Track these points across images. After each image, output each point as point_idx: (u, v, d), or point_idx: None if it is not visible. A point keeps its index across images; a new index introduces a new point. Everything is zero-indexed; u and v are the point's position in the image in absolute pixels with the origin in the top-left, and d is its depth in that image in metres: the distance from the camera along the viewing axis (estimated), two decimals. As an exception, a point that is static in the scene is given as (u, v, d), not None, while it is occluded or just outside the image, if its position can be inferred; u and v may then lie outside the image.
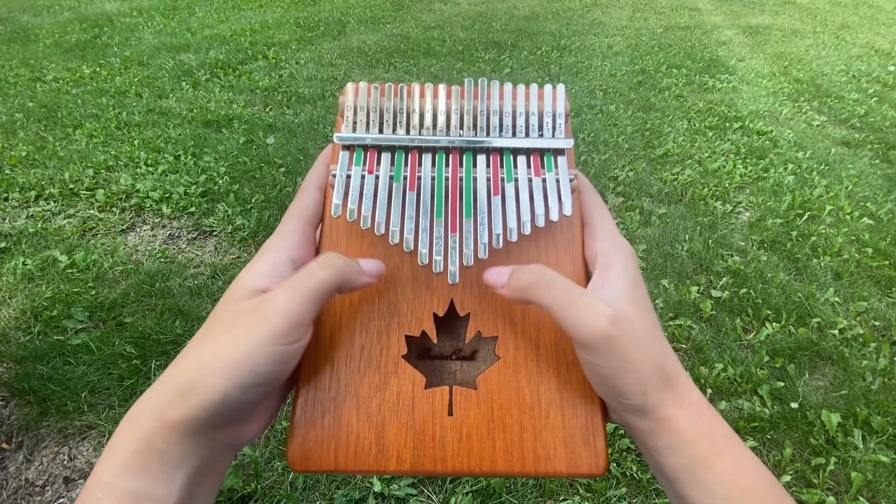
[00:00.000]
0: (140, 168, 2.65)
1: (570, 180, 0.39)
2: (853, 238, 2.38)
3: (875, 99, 3.96)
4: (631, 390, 0.31)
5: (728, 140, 3.24)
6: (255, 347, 0.29)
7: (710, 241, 2.32)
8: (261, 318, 0.30)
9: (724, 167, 2.92)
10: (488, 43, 4.97)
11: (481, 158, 0.39)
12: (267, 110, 3.43)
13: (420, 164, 0.38)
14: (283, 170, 2.71)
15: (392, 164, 0.38)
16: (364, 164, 0.38)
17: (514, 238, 0.36)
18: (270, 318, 0.30)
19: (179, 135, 3.01)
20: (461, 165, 0.39)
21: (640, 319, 0.32)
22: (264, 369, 0.29)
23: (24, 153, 2.73)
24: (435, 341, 0.36)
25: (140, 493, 0.27)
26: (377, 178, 0.38)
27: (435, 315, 0.36)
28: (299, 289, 0.31)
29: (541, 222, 0.37)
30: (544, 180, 0.38)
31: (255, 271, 0.33)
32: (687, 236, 2.34)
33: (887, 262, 2.22)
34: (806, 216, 2.51)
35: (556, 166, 0.39)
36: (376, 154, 0.39)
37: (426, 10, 6.21)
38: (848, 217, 2.52)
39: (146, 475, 0.27)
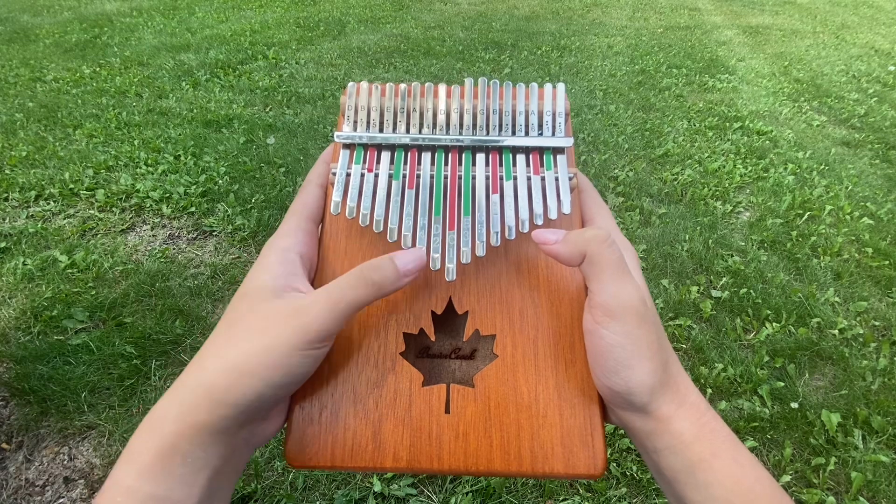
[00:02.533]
0: (140, 168, 2.65)
1: (570, 179, 0.39)
2: (853, 238, 2.38)
3: (875, 99, 3.96)
4: (642, 380, 0.31)
5: (728, 140, 3.24)
6: (291, 351, 0.30)
7: (710, 241, 2.32)
8: (297, 325, 0.31)
9: (724, 167, 2.92)
10: (488, 43, 4.97)
11: (481, 157, 0.39)
12: (267, 110, 3.43)
13: (419, 163, 0.39)
14: (283, 170, 2.71)
15: (392, 162, 0.39)
16: (364, 162, 0.39)
17: (513, 236, 0.36)
18: (307, 326, 0.31)
19: (179, 135, 3.01)
20: (460, 164, 0.39)
21: (655, 314, 0.33)
22: (300, 370, 0.31)
23: (24, 153, 2.73)
24: (433, 339, 0.37)
25: (161, 496, 0.27)
26: (377, 176, 0.38)
27: (433, 313, 0.36)
28: (337, 302, 0.31)
29: (539, 220, 0.37)
30: (543, 178, 0.38)
31: (269, 271, 0.34)
32: (687, 236, 2.34)
33: (887, 262, 2.22)
34: (806, 216, 2.51)
35: (556, 165, 0.39)
36: (376, 153, 0.39)
37: (426, 10, 6.21)
38: (848, 217, 2.52)
39: (168, 478, 0.27)
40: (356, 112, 0.40)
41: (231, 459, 0.31)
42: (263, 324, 0.31)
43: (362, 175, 0.38)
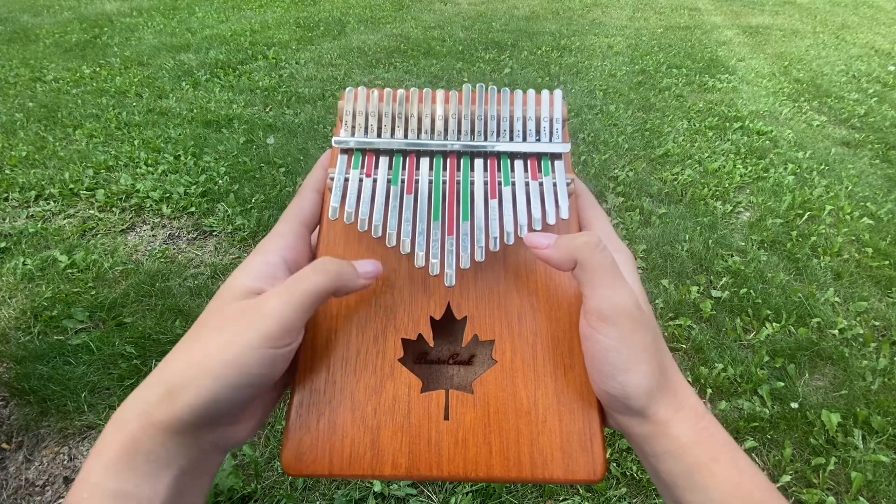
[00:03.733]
0: (140, 168, 2.65)
1: (567, 184, 0.39)
2: (853, 238, 2.38)
3: (875, 99, 3.96)
4: (639, 384, 0.31)
5: (728, 140, 3.24)
6: (246, 350, 0.29)
7: (710, 241, 2.31)
8: (253, 320, 0.30)
9: (724, 167, 2.91)
10: (488, 43, 4.96)
11: (479, 162, 0.39)
12: (267, 110, 3.43)
13: (418, 168, 0.39)
14: (283, 170, 2.71)
15: (390, 167, 0.39)
16: (362, 167, 0.38)
17: (511, 241, 0.36)
18: (263, 321, 0.30)
19: (179, 135, 3.01)
20: (459, 169, 0.39)
21: (651, 317, 0.33)
22: (255, 371, 0.29)
23: (24, 153, 2.73)
24: (431, 345, 0.36)
25: (126, 493, 0.27)
26: (375, 181, 0.38)
27: (432, 318, 0.36)
28: (293, 293, 0.31)
29: (538, 226, 0.37)
30: (541, 184, 0.38)
31: (248, 272, 0.33)
32: (687, 236, 2.34)
33: (887, 262, 2.22)
34: (806, 216, 2.51)
35: (554, 170, 0.39)
36: (374, 158, 0.39)
37: (426, 10, 6.20)
38: (848, 217, 2.52)
39: (133, 475, 0.27)
40: (354, 117, 0.40)
41: (199, 461, 0.30)
42: (223, 322, 0.30)
43: (360, 180, 0.38)
